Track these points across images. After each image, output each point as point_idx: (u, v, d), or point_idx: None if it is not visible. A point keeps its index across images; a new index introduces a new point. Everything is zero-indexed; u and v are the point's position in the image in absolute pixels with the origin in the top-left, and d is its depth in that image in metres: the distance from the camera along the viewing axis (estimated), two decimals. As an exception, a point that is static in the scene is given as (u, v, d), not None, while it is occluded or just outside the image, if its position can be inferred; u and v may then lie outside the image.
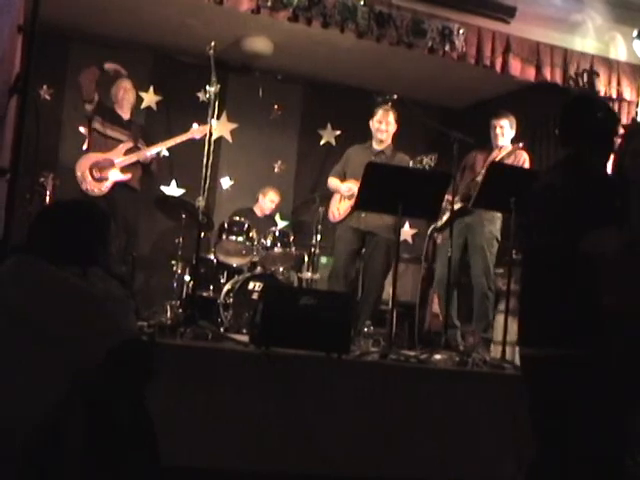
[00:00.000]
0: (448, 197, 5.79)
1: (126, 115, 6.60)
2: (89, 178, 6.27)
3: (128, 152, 6.42)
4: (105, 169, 6.30)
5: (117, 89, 6.63)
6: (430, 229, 6.35)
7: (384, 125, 6.19)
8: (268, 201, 7.72)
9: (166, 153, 7.56)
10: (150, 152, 6.54)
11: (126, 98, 6.62)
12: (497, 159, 6.05)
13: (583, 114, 3.25)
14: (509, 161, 6.07)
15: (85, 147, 6.53)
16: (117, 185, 6.35)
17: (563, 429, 2.93)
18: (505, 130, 6.17)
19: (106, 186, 6.29)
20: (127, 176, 6.39)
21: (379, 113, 6.21)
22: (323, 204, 6.78)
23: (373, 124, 6.26)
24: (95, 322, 2.42)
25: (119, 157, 6.37)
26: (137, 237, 7.00)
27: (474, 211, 5.97)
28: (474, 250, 6.08)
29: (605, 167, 3.25)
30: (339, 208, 6.35)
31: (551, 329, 2.98)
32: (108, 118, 6.48)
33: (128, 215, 6.47)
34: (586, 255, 2.86)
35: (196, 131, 6.53)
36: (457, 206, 5.91)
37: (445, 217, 6.06)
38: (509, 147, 6.20)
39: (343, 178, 6.34)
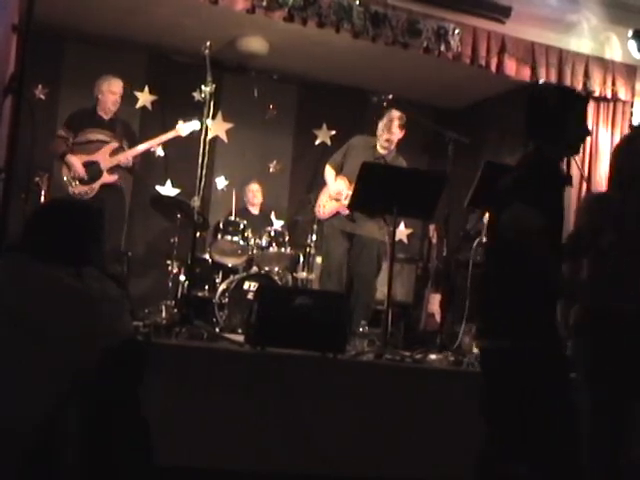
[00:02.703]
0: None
1: (107, 115, 6.34)
2: (77, 182, 6.12)
3: (114, 153, 6.23)
4: (92, 171, 6.13)
5: (99, 91, 6.32)
6: (475, 243, 6.30)
7: (386, 134, 6.07)
8: (250, 193, 7.73)
9: (161, 153, 7.52)
10: (132, 154, 6.33)
11: (109, 101, 6.33)
12: None
13: (532, 104, 3.20)
14: None
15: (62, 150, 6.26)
16: (105, 186, 6.18)
17: (509, 423, 3.00)
18: None
19: (94, 188, 6.13)
20: (114, 177, 6.23)
21: (384, 120, 6.08)
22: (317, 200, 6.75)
23: (379, 127, 6.14)
24: (92, 322, 2.43)
25: (105, 159, 6.17)
26: (128, 237, 6.96)
27: None
28: None
29: (557, 163, 3.18)
30: (325, 206, 6.28)
31: (497, 322, 3.05)
32: (86, 124, 6.25)
33: (117, 214, 6.33)
34: (504, 227, 2.89)
35: (182, 128, 6.33)
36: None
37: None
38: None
39: (340, 170, 6.26)
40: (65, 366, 2.34)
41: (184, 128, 6.33)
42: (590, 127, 3.36)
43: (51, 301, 2.40)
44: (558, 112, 3.09)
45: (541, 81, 6.28)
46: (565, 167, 3.36)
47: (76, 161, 6.13)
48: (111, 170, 6.22)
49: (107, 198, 6.13)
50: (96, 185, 6.16)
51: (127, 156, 6.32)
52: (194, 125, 6.23)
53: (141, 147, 6.42)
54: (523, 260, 2.88)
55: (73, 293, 2.44)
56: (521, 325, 2.96)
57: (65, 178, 6.17)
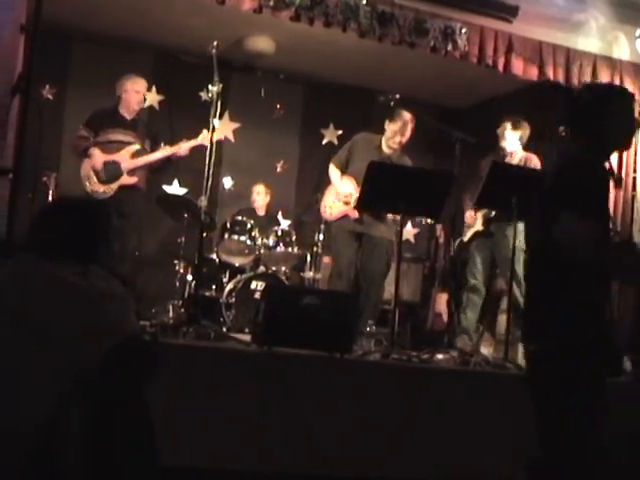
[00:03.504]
0: (471, 213, 5.98)
1: (130, 115, 6.29)
2: (95, 180, 6.07)
3: (135, 155, 6.16)
4: (112, 171, 6.07)
5: (123, 90, 6.27)
6: (456, 243, 6.35)
7: (398, 137, 6.06)
8: (255, 194, 7.73)
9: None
10: (154, 159, 6.25)
11: (134, 100, 6.29)
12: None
13: (569, 104, 3.15)
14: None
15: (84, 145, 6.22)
16: (124, 187, 6.11)
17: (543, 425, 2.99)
18: (507, 133, 6.15)
19: (112, 188, 6.06)
20: (134, 179, 6.15)
21: (398, 123, 6.04)
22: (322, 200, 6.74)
23: (389, 128, 6.10)
24: (95, 321, 2.42)
25: (126, 160, 6.10)
26: (141, 237, 6.95)
27: (495, 233, 6.05)
28: (503, 264, 6.05)
29: (601, 162, 3.10)
30: (332, 207, 6.23)
31: (530, 324, 3.08)
32: (108, 123, 6.19)
33: (135, 215, 6.24)
34: (559, 242, 2.83)
35: (206, 138, 5.96)
36: (479, 227, 6.07)
37: (470, 233, 6.11)
38: (520, 152, 6.17)
39: (345, 167, 6.23)
40: (67, 366, 2.34)
41: (209, 138, 6.13)
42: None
43: (53, 300, 2.40)
44: (595, 109, 3.02)
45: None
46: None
47: (99, 154, 6.08)
48: (131, 172, 6.14)
49: (125, 199, 6.07)
50: (115, 185, 6.09)
51: (152, 157, 6.23)
52: (218, 136, 6.24)
53: (161, 154, 6.29)
54: (572, 268, 2.85)
55: (77, 292, 2.44)
56: (540, 327, 2.99)
57: (83, 174, 6.11)
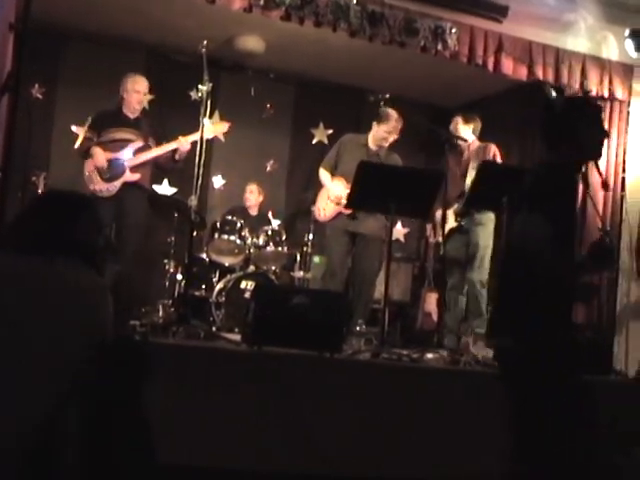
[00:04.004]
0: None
1: (133, 114, 6.26)
2: (98, 178, 6.02)
3: (138, 152, 6.11)
4: (115, 169, 6.03)
5: (124, 90, 6.24)
6: (433, 243, 6.41)
7: (393, 135, 6.13)
8: (248, 192, 7.73)
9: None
10: (157, 154, 6.19)
11: (134, 100, 6.24)
12: (471, 157, 6.13)
13: (543, 114, 3.26)
14: (481, 157, 6.11)
15: (77, 146, 6.21)
16: (127, 185, 6.06)
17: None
18: (460, 128, 6.28)
19: (115, 186, 6.01)
20: (137, 176, 6.09)
21: (391, 123, 6.10)
22: (315, 203, 6.77)
23: (379, 129, 6.15)
24: (91, 319, 2.42)
25: (129, 157, 6.06)
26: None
27: (468, 229, 6.12)
28: (471, 253, 6.11)
29: (571, 170, 3.18)
30: (325, 208, 6.29)
31: (496, 319, 3.25)
32: (111, 124, 6.16)
33: (136, 214, 6.15)
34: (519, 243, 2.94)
35: (210, 129, 5.93)
36: (453, 224, 6.13)
37: (445, 231, 6.14)
38: (476, 142, 6.27)
39: (334, 170, 6.28)
40: (65, 366, 2.34)
41: (210, 129, 5.97)
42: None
43: (48, 299, 2.39)
44: (566, 120, 3.11)
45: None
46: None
47: (100, 153, 6.05)
48: (134, 169, 6.09)
49: (127, 198, 6.04)
50: (118, 183, 6.03)
51: (155, 152, 6.19)
52: (221, 128, 6.23)
53: (163, 149, 6.22)
54: (528, 265, 2.90)
55: (69, 289, 2.43)
56: (505, 325, 3.06)
57: (86, 174, 6.06)
